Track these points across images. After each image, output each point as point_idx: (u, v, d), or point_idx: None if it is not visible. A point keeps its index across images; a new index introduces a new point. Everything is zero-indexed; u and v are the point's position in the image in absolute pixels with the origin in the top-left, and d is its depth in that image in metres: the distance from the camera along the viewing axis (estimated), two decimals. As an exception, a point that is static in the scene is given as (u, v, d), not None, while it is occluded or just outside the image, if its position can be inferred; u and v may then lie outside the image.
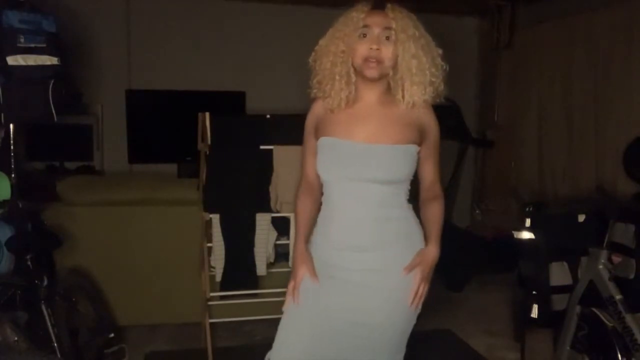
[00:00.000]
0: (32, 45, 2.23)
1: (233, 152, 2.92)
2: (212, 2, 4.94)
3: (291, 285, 1.70)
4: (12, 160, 2.34)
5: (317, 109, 1.70)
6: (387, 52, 1.58)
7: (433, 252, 1.68)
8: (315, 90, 1.68)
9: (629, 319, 2.24)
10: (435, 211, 1.70)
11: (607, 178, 3.95)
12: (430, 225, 1.70)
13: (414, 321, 1.72)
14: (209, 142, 2.89)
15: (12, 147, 2.35)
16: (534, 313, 2.67)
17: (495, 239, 4.42)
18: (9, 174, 2.34)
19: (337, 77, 1.62)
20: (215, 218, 2.88)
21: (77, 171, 4.57)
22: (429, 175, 1.71)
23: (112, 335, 2.78)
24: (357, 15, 1.60)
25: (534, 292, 2.68)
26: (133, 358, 2.89)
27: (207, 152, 2.91)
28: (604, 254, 2.38)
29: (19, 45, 2.20)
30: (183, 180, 3.64)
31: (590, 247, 2.44)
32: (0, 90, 2.21)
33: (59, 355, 2.21)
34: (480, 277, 4.36)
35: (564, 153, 4.48)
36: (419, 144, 1.65)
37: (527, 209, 2.68)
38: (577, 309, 2.47)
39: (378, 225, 1.62)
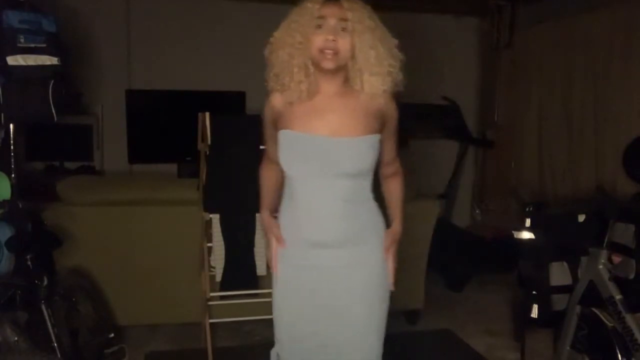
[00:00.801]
0: (32, 45, 2.23)
1: (233, 152, 2.92)
2: (212, 2, 4.94)
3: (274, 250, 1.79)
4: (12, 160, 2.34)
5: (275, 102, 1.68)
6: (343, 43, 1.57)
7: (399, 230, 1.79)
8: (272, 83, 1.66)
9: (629, 319, 2.24)
10: (396, 187, 1.82)
11: (607, 178, 3.95)
12: (393, 204, 1.80)
13: (387, 303, 1.80)
14: (209, 142, 2.89)
15: (12, 147, 2.35)
16: (534, 313, 2.66)
17: (495, 239, 4.42)
18: (9, 174, 2.35)
19: (296, 69, 1.60)
20: (215, 218, 2.88)
21: (77, 171, 4.57)
22: (389, 153, 1.77)
23: (112, 335, 2.78)
24: (312, 6, 1.59)
25: (534, 292, 2.68)
26: (133, 358, 2.89)
27: (207, 152, 2.91)
28: (604, 254, 2.38)
29: (19, 45, 2.20)
30: (183, 180, 3.63)
31: (590, 247, 2.44)
32: (0, 90, 2.21)
33: (59, 355, 2.21)
34: (480, 277, 4.36)
35: (564, 153, 4.48)
36: (380, 132, 1.68)
37: (527, 209, 2.68)
38: (577, 309, 2.47)
39: (347, 222, 1.65)
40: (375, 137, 1.65)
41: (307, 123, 1.62)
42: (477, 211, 5.32)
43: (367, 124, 1.64)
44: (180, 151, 4.09)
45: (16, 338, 2.07)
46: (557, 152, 4.56)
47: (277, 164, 1.71)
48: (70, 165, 4.68)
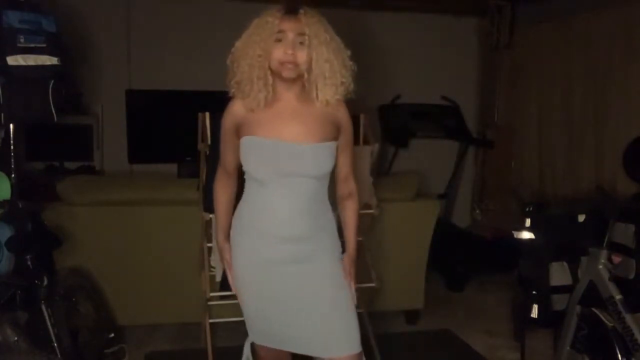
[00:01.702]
0: (32, 45, 2.23)
1: (233, 152, 2.92)
2: (212, 2, 4.94)
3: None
4: (12, 160, 2.34)
5: (235, 109, 1.77)
6: (301, 55, 1.67)
7: (354, 255, 1.89)
8: (234, 90, 1.75)
9: (629, 319, 2.24)
10: (351, 212, 1.90)
11: (607, 178, 3.95)
12: (348, 230, 1.90)
13: (354, 300, 1.86)
14: (209, 142, 2.89)
15: (12, 147, 2.35)
16: (534, 313, 2.66)
17: (495, 239, 4.42)
18: (9, 174, 2.34)
19: (255, 79, 1.70)
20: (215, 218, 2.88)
21: (77, 171, 4.57)
22: (345, 167, 1.85)
23: (112, 335, 2.78)
24: (272, 21, 1.69)
25: (534, 292, 2.68)
26: (133, 358, 2.90)
27: (207, 152, 2.91)
28: (604, 254, 2.38)
29: (19, 45, 2.20)
30: (183, 180, 3.63)
31: (590, 247, 2.44)
32: (0, 90, 2.21)
33: (59, 355, 2.21)
34: (480, 277, 4.36)
35: (564, 153, 4.48)
36: (337, 139, 1.79)
37: (527, 209, 2.68)
38: (577, 309, 2.47)
39: (310, 218, 1.76)
40: (334, 144, 1.77)
41: (270, 129, 1.72)
42: (477, 211, 5.32)
43: (327, 131, 1.75)
44: (180, 151, 4.09)
45: (16, 338, 2.07)
46: (557, 152, 4.56)
47: (232, 174, 1.87)
48: (70, 165, 4.68)
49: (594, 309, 2.39)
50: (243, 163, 1.76)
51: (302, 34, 1.67)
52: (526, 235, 2.66)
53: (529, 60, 4.89)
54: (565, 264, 2.67)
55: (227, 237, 1.90)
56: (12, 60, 2.19)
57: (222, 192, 1.91)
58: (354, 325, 1.82)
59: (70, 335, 2.37)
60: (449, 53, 5.33)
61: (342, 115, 1.80)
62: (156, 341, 3.22)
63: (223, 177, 1.91)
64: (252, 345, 1.99)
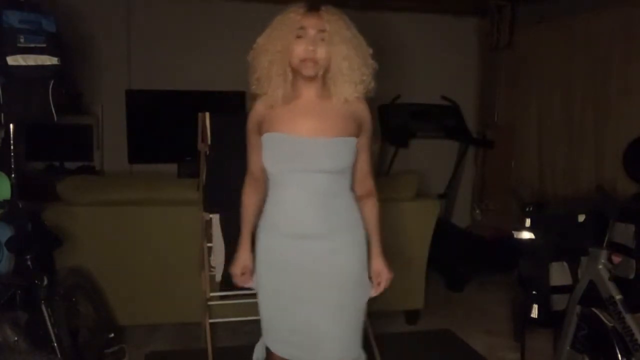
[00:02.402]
0: (32, 45, 2.23)
1: (233, 152, 2.90)
2: (212, 2, 4.94)
3: (237, 270, 1.87)
4: (12, 160, 2.34)
5: (259, 108, 1.79)
6: (321, 52, 1.68)
7: (379, 265, 1.83)
8: (254, 87, 1.77)
9: (629, 319, 2.24)
10: (371, 211, 1.85)
11: (607, 178, 3.96)
12: (371, 232, 1.84)
13: (364, 306, 1.85)
14: (209, 142, 2.89)
15: (12, 147, 2.34)
16: (534, 313, 2.67)
17: (495, 239, 4.42)
18: (9, 174, 2.34)
19: (275, 76, 1.71)
20: (215, 218, 2.88)
21: (77, 171, 4.57)
22: (364, 165, 1.83)
23: (112, 335, 2.78)
24: (294, 17, 1.69)
25: (534, 292, 2.68)
26: (133, 358, 2.90)
27: (207, 152, 2.91)
28: (604, 254, 2.38)
29: (19, 45, 2.19)
30: (183, 180, 3.63)
31: (590, 247, 2.44)
32: (0, 90, 2.21)
33: (59, 355, 2.21)
34: (480, 277, 4.36)
35: (564, 153, 4.48)
36: (357, 136, 1.77)
37: (527, 209, 2.68)
38: (577, 309, 2.47)
39: (325, 212, 1.73)
40: (352, 139, 1.75)
41: (288, 125, 1.72)
42: (477, 211, 5.32)
43: (344, 126, 1.73)
44: (180, 151, 4.09)
45: (16, 338, 2.07)
46: (557, 152, 4.57)
47: (259, 178, 1.85)
48: (70, 165, 4.68)
49: (594, 309, 2.39)
50: (262, 159, 1.77)
51: (322, 31, 1.67)
52: (526, 235, 2.66)
53: (529, 60, 4.89)
54: (565, 264, 2.67)
55: (250, 242, 1.88)
56: (12, 60, 2.19)
57: (248, 197, 1.90)
58: (358, 330, 1.81)
59: (70, 335, 2.37)
60: (449, 53, 5.33)
61: (363, 113, 1.78)
62: (156, 341, 3.22)
63: (250, 182, 1.90)
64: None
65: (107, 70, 4.78)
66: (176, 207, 3.15)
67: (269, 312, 1.84)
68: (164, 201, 3.15)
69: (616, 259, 2.44)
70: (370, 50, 1.75)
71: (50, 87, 2.31)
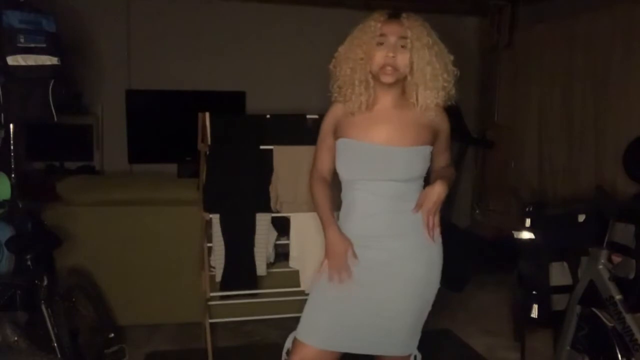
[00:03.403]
0: (32, 45, 2.23)
1: (233, 152, 2.92)
2: (212, 2, 4.94)
3: (329, 264, 1.75)
4: (12, 160, 2.34)
5: (336, 111, 1.80)
6: (402, 59, 1.69)
7: (435, 187, 1.73)
8: (335, 95, 1.78)
9: (629, 319, 2.24)
10: (448, 169, 1.85)
11: (607, 178, 3.95)
12: (442, 173, 1.80)
13: (429, 307, 1.88)
14: (209, 142, 2.89)
15: (12, 147, 2.34)
16: (534, 313, 2.67)
17: (495, 239, 4.42)
18: (9, 174, 2.34)
19: (357, 83, 1.72)
20: (215, 218, 2.88)
21: (77, 171, 4.57)
22: (444, 162, 1.87)
23: (112, 335, 2.78)
24: (374, 24, 1.70)
25: (534, 292, 2.68)
26: (133, 358, 2.89)
27: (207, 152, 2.91)
28: (604, 254, 2.37)
29: (19, 45, 2.20)
30: (183, 180, 3.64)
31: (590, 247, 2.44)
32: (0, 90, 2.21)
33: (59, 355, 2.21)
34: (480, 277, 4.35)
35: (564, 153, 4.48)
36: (432, 143, 1.77)
37: (527, 209, 2.69)
38: (577, 309, 2.47)
39: (393, 217, 1.73)
40: (427, 148, 1.75)
41: (364, 132, 1.73)
42: (477, 211, 5.32)
43: (419, 135, 1.74)
44: (180, 151, 4.10)
45: (16, 338, 2.07)
46: (557, 152, 4.56)
47: (326, 178, 1.84)
48: (70, 165, 4.69)
49: (594, 309, 2.39)
50: (336, 164, 1.79)
51: (403, 37, 1.68)
52: (526, 235, 2.66)
53: (529, 60, 4.88)
54: (565, 264, 2.67)
55: (334, 225, 1.78)
56: (12, 60, 2.19)
57: (318, 189, 1.83)
58: (420, 329, 1.88)
59: (70, 335, 2.37)
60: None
61: (441, 121, 1.79)
62: (156, 341, 3.22)
63: (318, 179, 1.85)
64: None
65: (107, 70, 4.78)
66: (176, 207, 3.15)
67: (328, 308, 1.77)
68: (164, 201, 3.16)
69: (616, 259, 2.44)
70: (451, 57, 1.77)
71: (50, 87, 2.31)
